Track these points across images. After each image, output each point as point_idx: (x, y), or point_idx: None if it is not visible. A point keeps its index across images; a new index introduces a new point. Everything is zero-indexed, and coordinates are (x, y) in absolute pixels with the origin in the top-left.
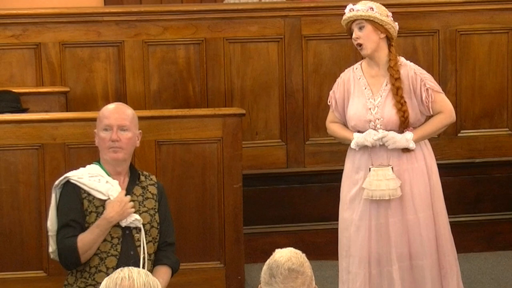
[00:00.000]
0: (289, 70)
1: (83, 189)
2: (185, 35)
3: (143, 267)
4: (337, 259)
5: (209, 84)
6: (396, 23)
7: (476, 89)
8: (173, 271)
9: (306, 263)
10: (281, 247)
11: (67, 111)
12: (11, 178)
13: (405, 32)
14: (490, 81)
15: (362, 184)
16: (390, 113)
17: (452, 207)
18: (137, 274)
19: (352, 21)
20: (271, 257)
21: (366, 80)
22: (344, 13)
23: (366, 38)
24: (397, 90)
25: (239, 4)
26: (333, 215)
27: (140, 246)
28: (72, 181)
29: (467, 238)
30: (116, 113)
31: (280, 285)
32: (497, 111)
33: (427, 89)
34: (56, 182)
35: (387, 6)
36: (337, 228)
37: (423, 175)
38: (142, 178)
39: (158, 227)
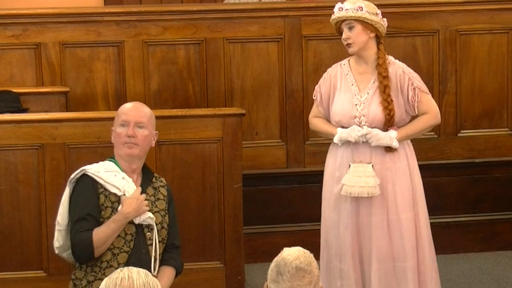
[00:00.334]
0: (289, 70)
1: (99, 183)
2: (185, 35)
3: (154, 265)
4: None
5: (209, 84)
6: (385, 19)
7: (476, 89)
8: (177, 273)
9: (314, 262)
10: (281, 247)
11: (67, 111)
12: (11, 178)
13: (405, 32)
14: (490, 81)
15: None
16: (376, 110)
17: (452, 207)
18: (137, 274)
19: (342, 20)
20: (279, 254)
21: (353, 77)
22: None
23: (356, 38)
24: (384, 88)
25: (239, 4)
26: None
27: (151, 245)
28: (89, 174)
29: (467, 238)
30: (134, 110)
31: (287, 283)
32: (497, 111)
33: (414, 88)
34: (72, 176)
35: (387, 6)
36: None
37: (405, 174)
38: (153, 179)
39: (167, 228)
